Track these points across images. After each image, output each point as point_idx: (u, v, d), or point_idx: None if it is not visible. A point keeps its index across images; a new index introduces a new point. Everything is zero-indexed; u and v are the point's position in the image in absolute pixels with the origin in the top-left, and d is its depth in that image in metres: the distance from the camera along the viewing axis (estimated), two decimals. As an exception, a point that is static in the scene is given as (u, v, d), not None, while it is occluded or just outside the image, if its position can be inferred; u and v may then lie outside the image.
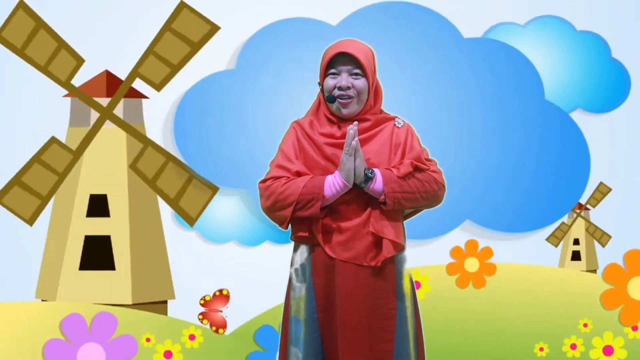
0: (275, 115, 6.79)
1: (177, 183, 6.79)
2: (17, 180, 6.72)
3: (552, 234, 7.48)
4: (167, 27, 6.69)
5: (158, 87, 6.74)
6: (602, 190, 7.73)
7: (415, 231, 6.67)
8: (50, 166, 6.71)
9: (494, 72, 7.03)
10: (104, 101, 6.87)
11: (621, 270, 5.53)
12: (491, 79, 7.03)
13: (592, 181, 7.32)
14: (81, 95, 6.76)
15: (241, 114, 6.90)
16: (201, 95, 6.85)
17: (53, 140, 6.75)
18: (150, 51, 6.72)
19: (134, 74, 6.77)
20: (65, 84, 6.70)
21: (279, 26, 7.00)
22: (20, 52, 6.61)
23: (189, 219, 6.79)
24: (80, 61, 6.67)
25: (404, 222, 3.85)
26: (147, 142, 6.80)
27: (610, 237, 8.06)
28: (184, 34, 6.68)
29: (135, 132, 6.83)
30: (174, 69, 6.69)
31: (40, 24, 6.62)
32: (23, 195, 6.71)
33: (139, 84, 6.85)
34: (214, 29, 6.69)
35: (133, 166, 6.74)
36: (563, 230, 7.77)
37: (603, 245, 8.03)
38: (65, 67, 6.68)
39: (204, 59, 6.81)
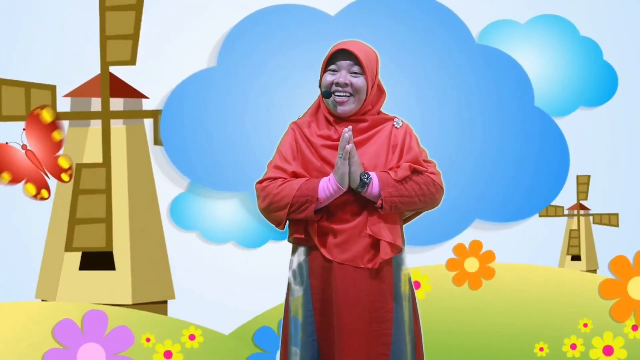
0: (270, 115, 6.61)
1: (91, 212, 6.70)
2: None
3: (545, 209, 7.49)
4: None
5: None
6: (612, 221, 7.73)
7: (430, 236, 6.69)
8: (29, 103, 6.59)
9: (490, 75, 7.01)
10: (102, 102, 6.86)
11: (628, 265, 5.53)
12: (485, 81, 7.01)
13: (572, 173, 7.38)
14: (104, 85, 6.69)
15: (231, 115, 6.71)
16: (183, 98, 6.68)
17: (52, 94, 6.66)
18: None
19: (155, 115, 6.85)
20: (105, 65, 6.63)
21: (266, 14, 6.52)
22: (103, 10, 6.53)
23: (69, 244, 6.70)
24: (133, 61, 6.60)
25: (404, 225, 3.83)
26: (106, 164, 6.75)
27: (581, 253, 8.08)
28: None
29: (107, 148, 6.76)
30: None
31: (138, 6, 6.59)
32: None
33: (139, 82, 6.84)
34: None
35: (79, 165, 6.69)
36: (558, 213, 7.77)
37: (567, 253, 8.04)
38: (119, 54, 6.62)
39: (181, 55, 6.78)
